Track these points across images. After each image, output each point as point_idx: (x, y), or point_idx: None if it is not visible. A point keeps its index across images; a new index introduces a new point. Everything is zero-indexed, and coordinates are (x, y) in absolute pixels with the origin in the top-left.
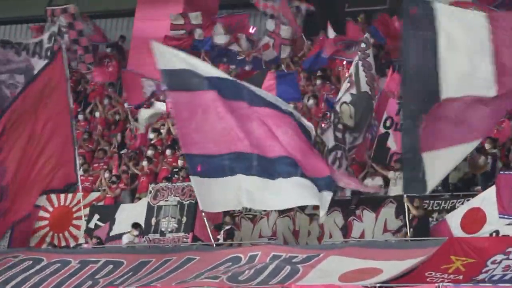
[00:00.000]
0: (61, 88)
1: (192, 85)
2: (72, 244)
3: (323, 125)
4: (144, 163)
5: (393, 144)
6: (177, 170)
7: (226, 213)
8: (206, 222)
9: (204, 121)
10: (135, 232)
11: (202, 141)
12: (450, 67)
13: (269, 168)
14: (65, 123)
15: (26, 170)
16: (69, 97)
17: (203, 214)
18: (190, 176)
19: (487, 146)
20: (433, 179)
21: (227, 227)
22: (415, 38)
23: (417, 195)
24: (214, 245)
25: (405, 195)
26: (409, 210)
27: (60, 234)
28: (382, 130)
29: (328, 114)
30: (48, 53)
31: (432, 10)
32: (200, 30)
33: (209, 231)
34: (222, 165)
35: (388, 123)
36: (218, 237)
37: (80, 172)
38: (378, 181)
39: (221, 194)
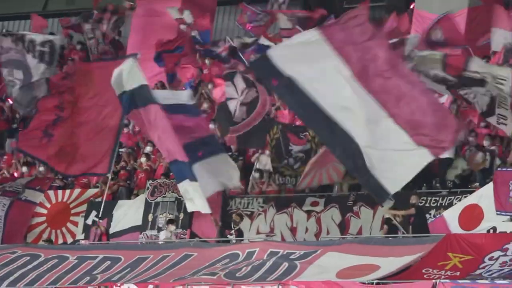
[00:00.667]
0: None
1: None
2: (70, 240)
3: None
4: (143, 159)
5: None
6: None
7: (231, 211)
8: (213, 221)
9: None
10: (172, 228)
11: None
12: (324, 98)
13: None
14: (116, 117)
15: (76, 137)
16: None
17: (211, 217)
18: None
19: (485, 143)
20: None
21: (237, 227)
22: (280, 89)
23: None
24: (231, 240)
25: (383, 208)
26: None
27: (58, 230)
28: None
29: None
30: (45, 57)
31: (268, 59)
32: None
33: (216, 228)
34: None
35: None
36: (229, 236)
37: None
38: None
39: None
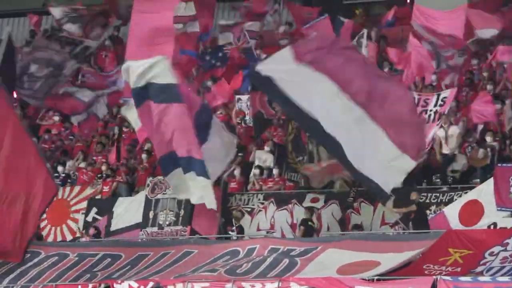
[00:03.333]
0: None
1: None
2: (69, 237)
3: None
4: (143, 156)
5: None
6: None
7: (232, 208)
8: (218, 219)
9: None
10: None
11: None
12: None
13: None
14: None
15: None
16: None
17: (217, 213)
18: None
19: (488, 139)
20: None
21: (238, 223)
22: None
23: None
24: (232, 237)
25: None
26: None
27: (58, 228)
28: None
29: None
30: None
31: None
32: (195, 22)
33: (219, 226)
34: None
35: None
36: (231, 232)
37: (82, 164)
38: None
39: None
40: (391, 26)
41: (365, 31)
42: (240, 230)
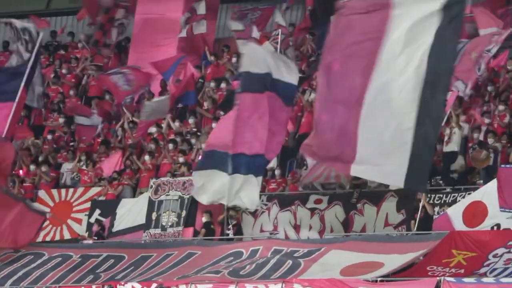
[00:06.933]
0: None
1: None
2: (68, 237)
3: None
4: (146, 157)
5: None
6: (180, 164)
7: (236, 209)
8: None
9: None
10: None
11: (251, 141)
12: None
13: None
14: None
15: None
16: None
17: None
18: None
19: (489, 140)
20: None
21: (234, 222)
22: None
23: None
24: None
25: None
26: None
27: (59, 228)
28: None
29: None
30: (28, 46)
31: None
32: (203, 21)
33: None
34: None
35: None
36: (228, 232)
37: (83, 166)
38: None
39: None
40: None
41: None
42: (238, 229)
